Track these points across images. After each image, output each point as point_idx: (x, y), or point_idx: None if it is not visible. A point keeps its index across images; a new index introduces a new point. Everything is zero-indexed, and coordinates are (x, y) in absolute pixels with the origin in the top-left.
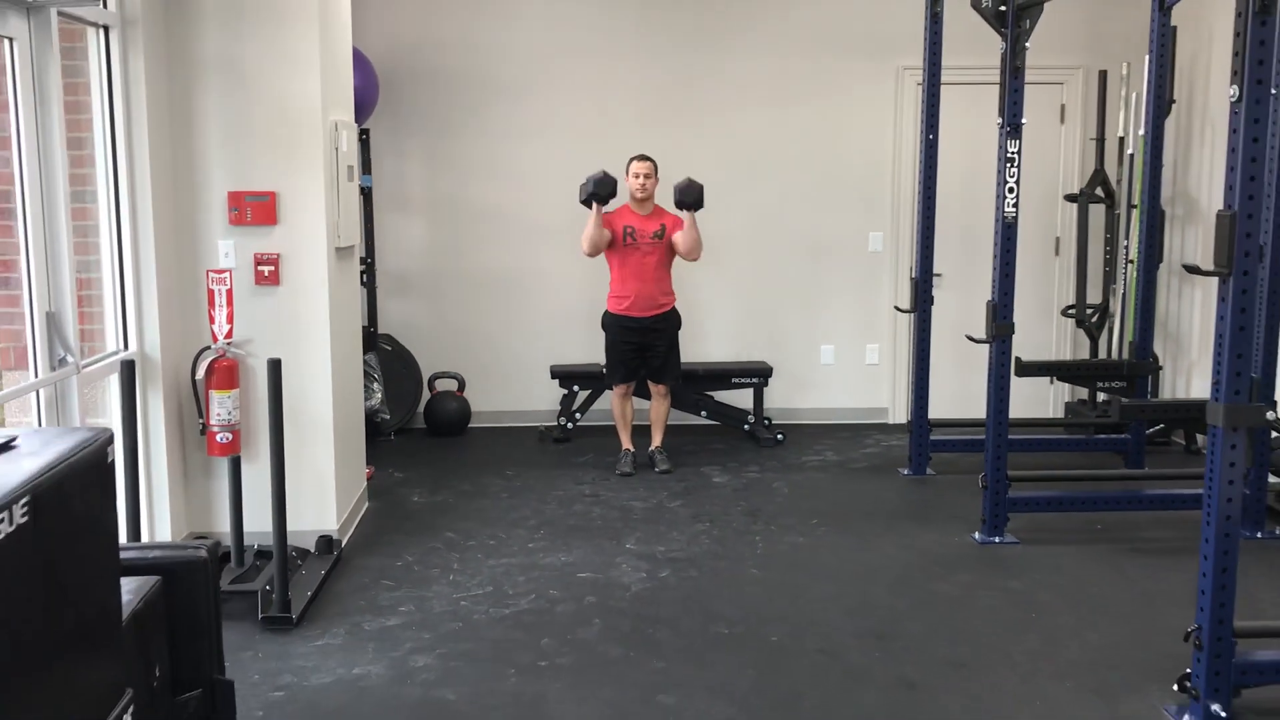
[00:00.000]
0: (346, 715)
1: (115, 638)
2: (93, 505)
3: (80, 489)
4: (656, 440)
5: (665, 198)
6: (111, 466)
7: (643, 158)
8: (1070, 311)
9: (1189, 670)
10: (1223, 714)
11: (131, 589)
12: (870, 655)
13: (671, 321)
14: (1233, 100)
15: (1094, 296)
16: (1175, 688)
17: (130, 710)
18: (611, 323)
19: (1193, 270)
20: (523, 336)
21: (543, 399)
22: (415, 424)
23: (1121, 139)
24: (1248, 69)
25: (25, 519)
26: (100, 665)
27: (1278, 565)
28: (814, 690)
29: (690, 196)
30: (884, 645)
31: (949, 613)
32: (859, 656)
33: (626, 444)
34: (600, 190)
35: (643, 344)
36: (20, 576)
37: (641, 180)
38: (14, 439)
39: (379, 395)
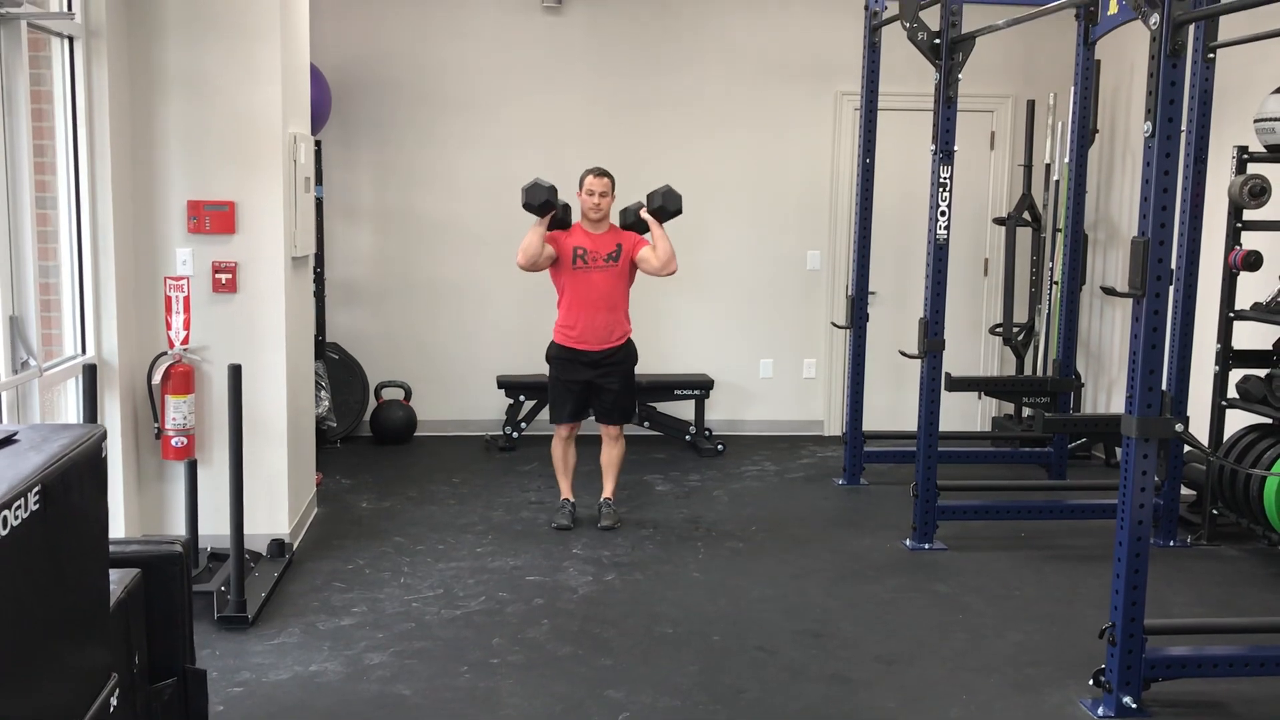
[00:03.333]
0: (305, 710)
1: (104, 624)
2: (89, 498)
3: (79, 481)
4: (607, 490)
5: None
6: (104, 462)
7: (599, 173)
8: (998, 330)
9: (1103, 665)
10: (1133, 705)
11: (115, 579)
12: (807, 653)
13: (626, 356)
14: (1146, 135)
15: (1020, 315)
16: (1091, 681)
17: (115, 694)
18: (556, 355)
19: (1110, 292)
20: (469, 346)
21: (488, 408)
22: (361, 432)
23: (1048, 165)
24: (1160, 106)
25: (37, 506)
26: (92, 649)
27: (1188, 570)
28: (754, 685)
29: (673, 204)
30: (820, 643)
31: (881, 613)
32: (796, 654)
33: (566, 493)
34: (532, 200)
35: (591, 381)
36: (32, 560)
37: (596, 199)
38: (15, 434)
39: (326, 403)
